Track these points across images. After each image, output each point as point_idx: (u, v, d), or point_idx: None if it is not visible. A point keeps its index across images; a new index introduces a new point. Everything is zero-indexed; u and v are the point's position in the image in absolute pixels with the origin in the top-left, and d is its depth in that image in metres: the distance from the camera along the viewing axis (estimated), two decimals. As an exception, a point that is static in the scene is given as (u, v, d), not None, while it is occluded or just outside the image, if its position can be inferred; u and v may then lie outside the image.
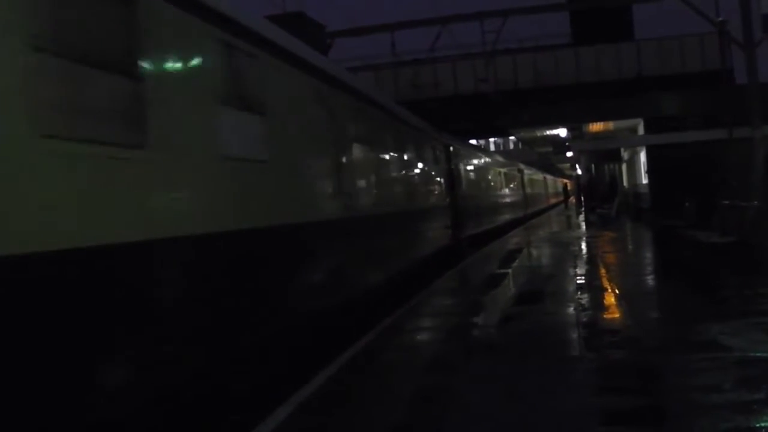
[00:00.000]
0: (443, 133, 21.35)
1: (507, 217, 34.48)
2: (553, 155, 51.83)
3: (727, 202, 19.53)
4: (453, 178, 20.92)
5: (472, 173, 25.69)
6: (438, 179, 19.30)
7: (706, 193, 22.93)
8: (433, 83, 35.00)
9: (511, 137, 59.62)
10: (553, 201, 74.54)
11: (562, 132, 37.45)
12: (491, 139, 73.81)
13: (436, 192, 18.94)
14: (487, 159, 31.24)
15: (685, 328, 8.13)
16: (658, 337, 8.09)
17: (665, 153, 28.95)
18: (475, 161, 27.02)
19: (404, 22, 35.07)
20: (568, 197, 56.39)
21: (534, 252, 21.22)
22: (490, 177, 30.75)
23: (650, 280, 14.02)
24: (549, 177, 77.32)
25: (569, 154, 45.72)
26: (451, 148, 21.64)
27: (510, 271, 16.08)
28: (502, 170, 35.28)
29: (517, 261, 18.20)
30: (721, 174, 24.02)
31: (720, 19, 23.87)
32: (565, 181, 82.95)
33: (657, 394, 5.97)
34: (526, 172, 47.86)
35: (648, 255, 19.48)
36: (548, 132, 38.71)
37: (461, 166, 23.21)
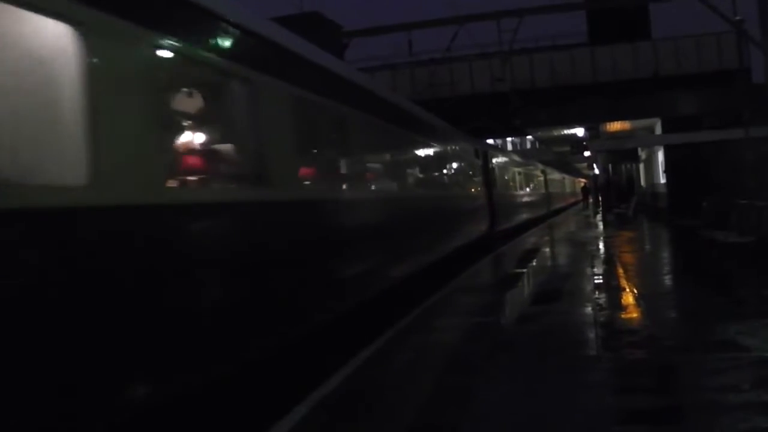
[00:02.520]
0: None
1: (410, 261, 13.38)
2: (570, 155, 51.35)
3: (744, 201, 19.44)
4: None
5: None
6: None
7: (723, 193, 22.83)
8: (449, 83, 35.02)
9: (529, 137, 59.41)
10: (557, 206, 54.12)
11: (579, 131, 37.34)
12: (509, 139, 73.66)
13: None
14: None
15: (703, 328, 8.15)
16: (675, 337, 8.10)
17: (683, 152, 28.83)
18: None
19: (421, 21, 35.13)
20: (587, 197, 54.75)
21: (551, 251, 21.20)
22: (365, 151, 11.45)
23: (668, 279, 14.01)
24: (557, 175, 58.93)
25: (586, 153, 45.58)
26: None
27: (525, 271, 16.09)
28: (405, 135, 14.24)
29: (534, 261, 18.21)
30: (738, 173, 23.92)
31: (737, 18, 23.79)
32: (583, 180, 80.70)
33: (675, 394, 5.99)
34: (498, 159, 28.17)
35: (665, 255, 19.44)
36: (565, 132, 38.60)
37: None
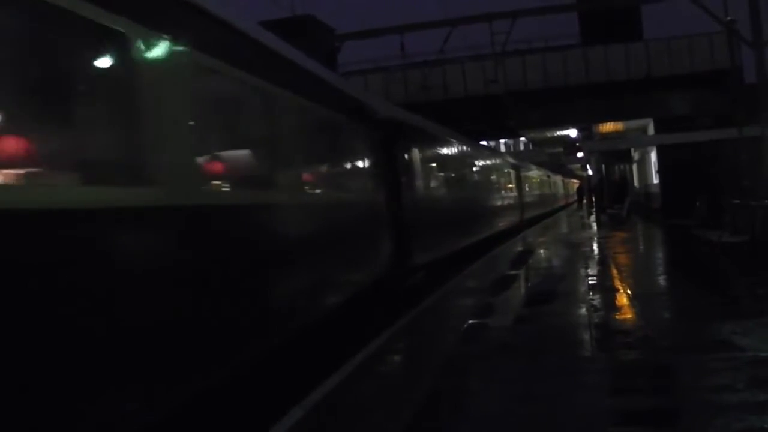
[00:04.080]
0: None
1: None
2: (563, 156, 51.16)
3: (737, 201, 19.48)
4: None
5: None
6: None
7: (716, 193, 22.87)
8: (442, 85, 34.97)
9: (522, 138, 59.35)
10: (538, 212, 41.97)
11: (572, 133, 37.36)
12: (501, 141, 73.67)
13: None
14: None
15: (697, 328, 8.15)
16: (670, 337, 8.11)
17: (676, 153, 28.90)
18: None
19: (414, 24, 35.03)
20: (582, 199, 54.27)
21: (544, 252, 21.17)
22: None
23: (662, 280, 14.02)
24: (539, 173, 47.72)
25: (580, 154, 45.60)
26: None
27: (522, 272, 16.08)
28: None
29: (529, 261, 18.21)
30: (731, 173, 23.95)
31: (728, 18, 23.81)
32: (576, 181, 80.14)
33: (670, 395, 5.99)
34: (420, 142, 16.05)
35: (659, 255, 19.46)
36: (558, 133, 38.61)
37: None
